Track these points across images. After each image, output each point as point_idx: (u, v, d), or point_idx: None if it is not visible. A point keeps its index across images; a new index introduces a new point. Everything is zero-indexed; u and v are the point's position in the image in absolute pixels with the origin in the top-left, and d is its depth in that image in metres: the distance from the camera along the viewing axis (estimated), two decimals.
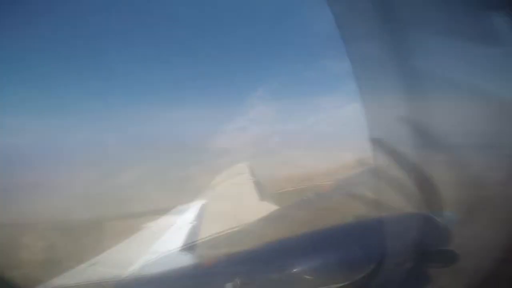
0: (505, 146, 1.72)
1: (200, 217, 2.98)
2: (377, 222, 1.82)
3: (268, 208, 2.70)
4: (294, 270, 1.44)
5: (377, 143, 1.95)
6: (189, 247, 2.38)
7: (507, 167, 1.71)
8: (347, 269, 1.49)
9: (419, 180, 1.95)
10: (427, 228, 1.67)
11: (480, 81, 1.79)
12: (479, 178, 1.83)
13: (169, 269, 1.88)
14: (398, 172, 1.98)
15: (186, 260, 2.19)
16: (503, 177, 1.71)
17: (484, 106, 1.77)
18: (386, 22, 1.84)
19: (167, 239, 2.70)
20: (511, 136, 1.70)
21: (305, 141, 6.26)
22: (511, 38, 1.59)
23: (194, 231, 2.81)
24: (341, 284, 1.46)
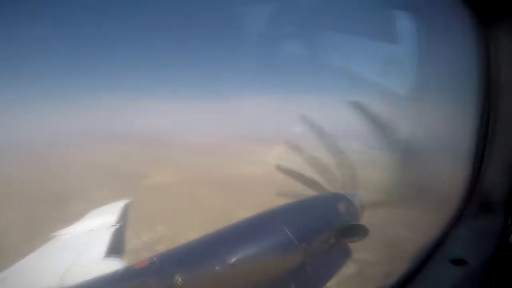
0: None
1: None
2: (301, 203, 1.96)
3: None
4: (227, 262, 1.44)
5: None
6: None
7: None
8: (279, 252, 1.56)
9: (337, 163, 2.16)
10: (345, 206, 1.90)
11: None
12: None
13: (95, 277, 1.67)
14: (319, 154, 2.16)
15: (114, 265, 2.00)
16: None
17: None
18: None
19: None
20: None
21: None
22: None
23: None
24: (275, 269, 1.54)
